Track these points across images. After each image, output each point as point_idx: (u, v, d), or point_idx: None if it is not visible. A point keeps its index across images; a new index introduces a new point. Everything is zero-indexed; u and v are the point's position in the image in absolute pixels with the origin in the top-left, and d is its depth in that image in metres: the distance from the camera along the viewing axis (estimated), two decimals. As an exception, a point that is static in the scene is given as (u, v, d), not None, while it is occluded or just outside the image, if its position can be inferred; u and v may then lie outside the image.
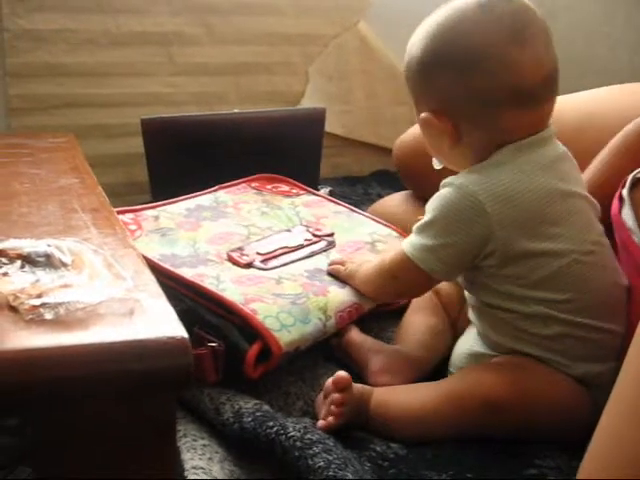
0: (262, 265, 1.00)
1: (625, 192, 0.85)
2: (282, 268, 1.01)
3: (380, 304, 1.02)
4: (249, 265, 1.00)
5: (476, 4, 0.79)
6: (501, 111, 0.79)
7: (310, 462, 0.68)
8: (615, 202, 0.87)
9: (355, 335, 0.94)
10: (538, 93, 0.79)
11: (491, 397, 0.75)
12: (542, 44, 0.79)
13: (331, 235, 1.13)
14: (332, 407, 0.77)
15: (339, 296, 0.97)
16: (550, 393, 0.78)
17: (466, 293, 0.88)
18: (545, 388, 0.78)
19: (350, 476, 0.67)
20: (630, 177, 0.87)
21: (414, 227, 0.84)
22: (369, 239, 1.14)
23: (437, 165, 0.90)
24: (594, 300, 0.80)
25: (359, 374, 0.89)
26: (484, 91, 0.78)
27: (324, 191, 1.42)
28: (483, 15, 0.78)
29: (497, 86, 0.78)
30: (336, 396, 0.78)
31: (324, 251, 1.08)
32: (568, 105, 1.23)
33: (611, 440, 0.51)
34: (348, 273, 0.99)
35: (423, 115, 0.83)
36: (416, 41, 0.84)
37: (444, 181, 0.82)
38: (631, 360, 0.53)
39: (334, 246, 1.10)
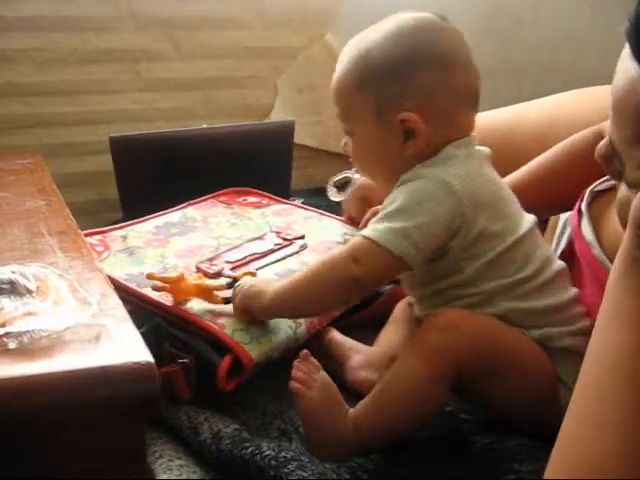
0: (231, 273, 0.99)
1: (584, 206, 0.90)
2: None
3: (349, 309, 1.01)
4: (218, 274, 0.99)
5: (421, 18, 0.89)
6: (461, 109, 0.86)
7: (285, 481, 0.68)
8: (575, 215, 0.91)
9: (337, 335, 0.97)
10: (477, 98, 0.87)
11: (447, 318, 0.78)
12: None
13: (302, 237, 1.13)
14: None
15: None
16: (504, 330, 0.79)
17: (417, 291, 0.89)
18: (497, 325, 0.80)
19: (325, 492, 0.67)
20: (587, 192, 0.90)
21: (377, 217, 0.82)
22: (341, 239, 1.14)
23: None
24: (535, 275, 0.82)
25: (337, 371, 0.90)
26: (459, 87, 0.85)
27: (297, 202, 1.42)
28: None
29: (467, 84, 0.86)
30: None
31: (296, 253, 1.08)
32: (532, 110, 1.25)
33: (569, 441, 0.54)
34: (246, 292, 0.88)
35: (406, 114, 0.83)
36: None
37: (403, 177, 0.83)
38: (585, 368, 0.56)
39: (306, 248, 1.10)
